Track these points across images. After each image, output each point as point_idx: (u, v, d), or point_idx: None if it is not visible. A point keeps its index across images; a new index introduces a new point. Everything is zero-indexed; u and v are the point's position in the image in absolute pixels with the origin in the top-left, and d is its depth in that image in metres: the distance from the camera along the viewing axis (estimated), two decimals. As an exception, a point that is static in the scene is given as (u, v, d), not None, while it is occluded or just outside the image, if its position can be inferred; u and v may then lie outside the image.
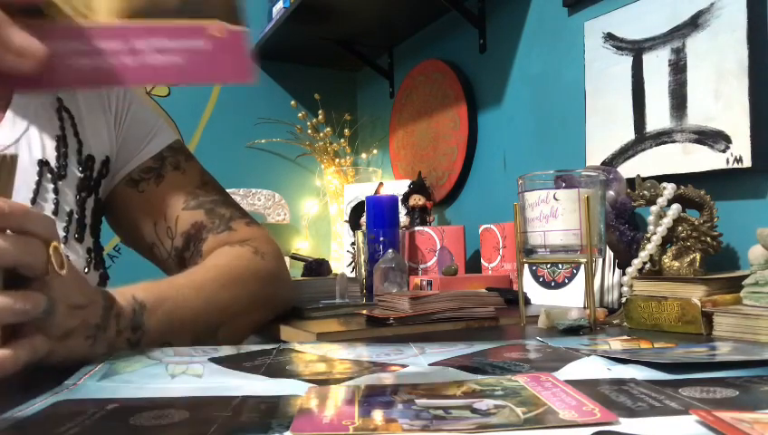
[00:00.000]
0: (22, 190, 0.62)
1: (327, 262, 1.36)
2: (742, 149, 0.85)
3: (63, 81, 0.31)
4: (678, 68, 0.94)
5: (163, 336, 0.57)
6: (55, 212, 0.66)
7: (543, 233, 0.71)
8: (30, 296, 0.42)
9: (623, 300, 0.75)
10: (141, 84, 0.35)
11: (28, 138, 0.65)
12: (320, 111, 1.94)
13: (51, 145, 0.67)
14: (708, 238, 0.73)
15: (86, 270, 0.68)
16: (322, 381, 0.42)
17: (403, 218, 1.40)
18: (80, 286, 0.48)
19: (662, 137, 0.97)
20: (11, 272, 0.41)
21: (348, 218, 1.53)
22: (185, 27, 0.31)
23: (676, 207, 0.75)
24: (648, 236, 0.76)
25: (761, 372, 0.42)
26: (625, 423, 0.31)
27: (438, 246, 1.25)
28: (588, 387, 0.38)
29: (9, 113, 0.65)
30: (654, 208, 0.76)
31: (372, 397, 0.37)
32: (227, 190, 0.83)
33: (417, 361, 0.49)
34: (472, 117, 1.50)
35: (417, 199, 1.42)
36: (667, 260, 0.75)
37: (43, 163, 0.65)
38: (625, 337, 0.62)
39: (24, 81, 0.30)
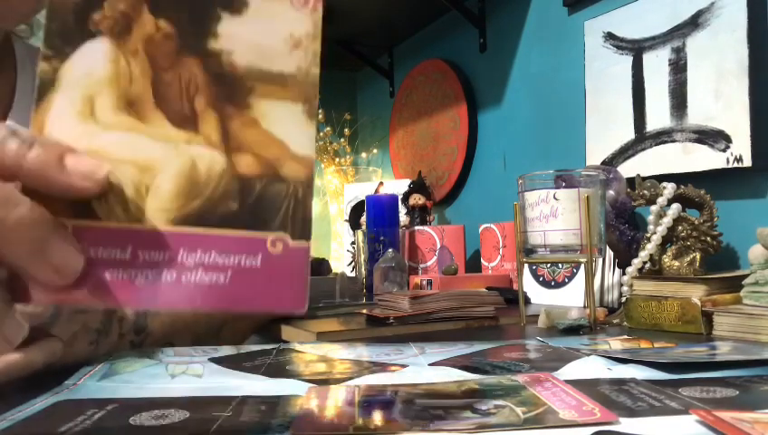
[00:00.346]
0: None
1: (327, 261, 1.36)
2: (742, 149, 0.85)
3: (97, 295, 0.27)
4: (678, 67, 0.94)
5: (166, 337, 0.58)
6: None
7: (543, 233, 0.71)
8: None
9: (623, 300, 0.75)
10: (179, 308, 0.29)
11: None
12: (320, 111, 1.94)
13: None
14: (708, 238, 0.73)
15: None
16: (322, 381, 0.42)
17: (403, 218, 1.40)
18: None
19: (662, 136, 0.97)
20: None
21: (348, 218, 1.53)
22: (241, 241, 0.27)
23: (676, 206, 0.75)
24: (648, 235, 0.76)
25: (761, 371, 0.42)
26: (625, 423, 0.31)
27: (438, 246, 1.25)
28: (588, 387, 0.38)
29: (9, 121, 0.65)
30: (654, 208, 0.76)
31: (372, 397, 0.37)
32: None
33: (417, 361, 0.49)
34: (472, 117, 1.50)
35: (417, 199, 1.42)
36: (667, 260, 0.75)
37: None
38: (625, 337, 0.62)
39: (54, 292, 0.27)
